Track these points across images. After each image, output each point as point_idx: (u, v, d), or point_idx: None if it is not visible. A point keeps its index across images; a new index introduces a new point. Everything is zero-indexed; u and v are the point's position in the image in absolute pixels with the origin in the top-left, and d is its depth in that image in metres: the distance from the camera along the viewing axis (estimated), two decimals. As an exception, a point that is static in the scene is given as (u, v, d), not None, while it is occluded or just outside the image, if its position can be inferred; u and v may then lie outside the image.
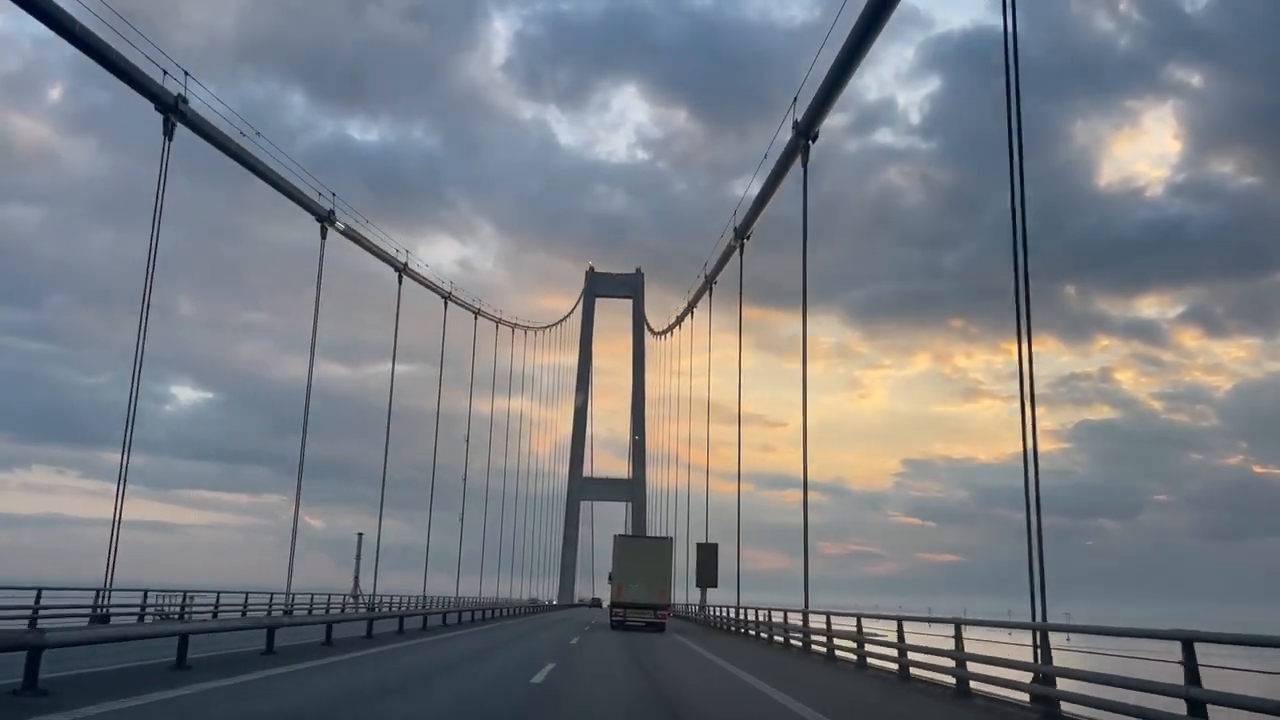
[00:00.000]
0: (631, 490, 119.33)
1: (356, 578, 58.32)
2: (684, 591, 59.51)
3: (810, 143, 30.44)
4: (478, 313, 64.23)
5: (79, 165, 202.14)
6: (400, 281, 46.56)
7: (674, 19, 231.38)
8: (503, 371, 79.27)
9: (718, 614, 44.72)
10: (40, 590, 23.84)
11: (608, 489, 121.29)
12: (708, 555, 50.82)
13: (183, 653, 14.64)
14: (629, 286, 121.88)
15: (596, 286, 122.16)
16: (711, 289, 53.02)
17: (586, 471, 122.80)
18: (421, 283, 49.71)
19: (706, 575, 50.53)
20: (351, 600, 50.43)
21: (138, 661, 15.32)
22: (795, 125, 30.41)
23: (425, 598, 52.67)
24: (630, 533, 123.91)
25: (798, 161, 30.78)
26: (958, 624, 14.48)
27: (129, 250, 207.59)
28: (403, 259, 46.00)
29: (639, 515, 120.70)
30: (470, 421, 61.32)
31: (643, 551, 39.70)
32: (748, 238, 42.17)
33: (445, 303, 55.08)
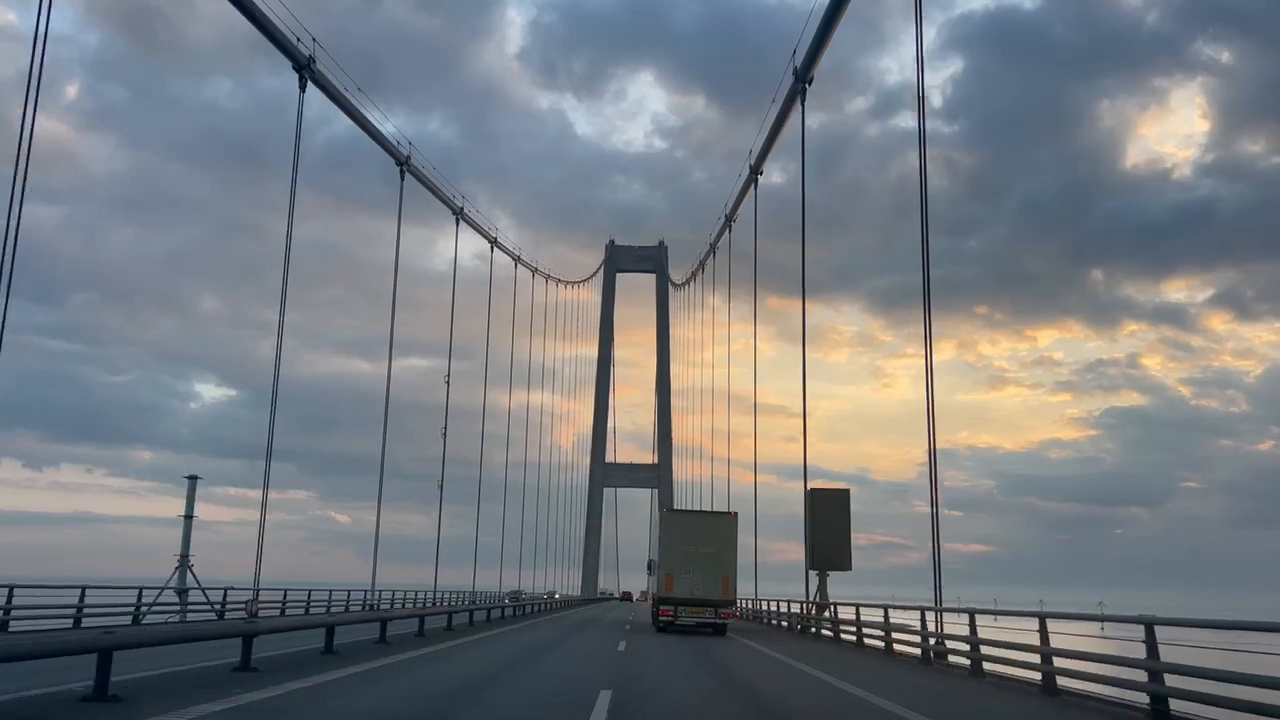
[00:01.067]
0: (658, 475, 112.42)
1: (183, 557, 31.51)
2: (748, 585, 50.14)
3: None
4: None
5: (97, 163, 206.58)
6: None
7: (690, 3, 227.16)
8: (521, 358, 75.56)
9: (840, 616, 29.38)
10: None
11: (632, 475, 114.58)
12: (834, 511, 32.54)
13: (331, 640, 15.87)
14: (651, 260, 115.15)
15: (617, 260, 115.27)
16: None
17: (609, 457, 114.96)
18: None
19: (832, 549, 32.21)
20: (177, 599, 30.97)
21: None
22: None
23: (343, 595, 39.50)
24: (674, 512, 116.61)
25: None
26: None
27: (149, 247, 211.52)
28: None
29: (666, 503, 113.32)
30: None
31: (700, 531, 31.13)
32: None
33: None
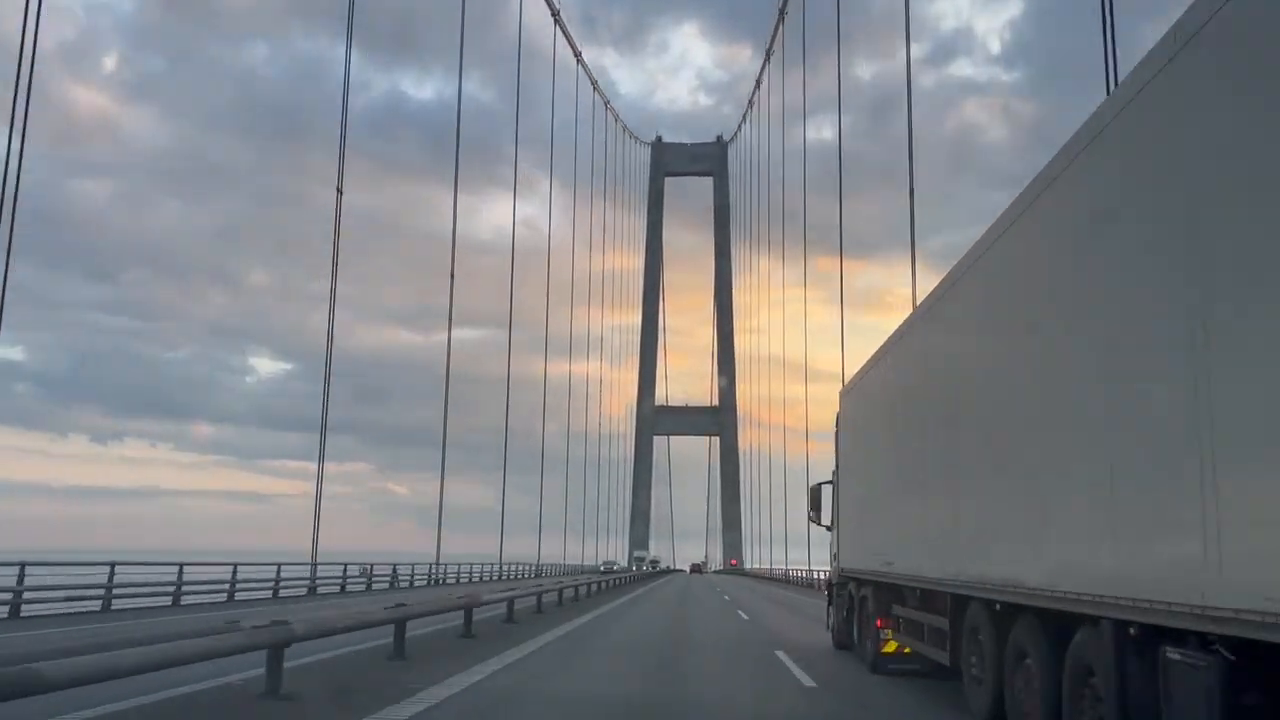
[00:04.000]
0: (719, 420, 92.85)
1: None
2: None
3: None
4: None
5: (140, 135, 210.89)
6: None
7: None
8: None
9: None
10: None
11: (687, 419, 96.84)
12: None
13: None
14: (708, 160, 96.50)
15: (666, 162, 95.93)
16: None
17: (659, 400, 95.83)
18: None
19: None
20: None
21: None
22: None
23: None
24: (724, 488, 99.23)
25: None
26: None
27: (195, 220, 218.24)
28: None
29: (730, 456, 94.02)
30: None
31: None
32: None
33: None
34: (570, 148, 77.06)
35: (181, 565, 24.33)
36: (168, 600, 23.24)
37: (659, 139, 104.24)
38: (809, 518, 16.06)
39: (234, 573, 26.37)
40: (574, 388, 78.42)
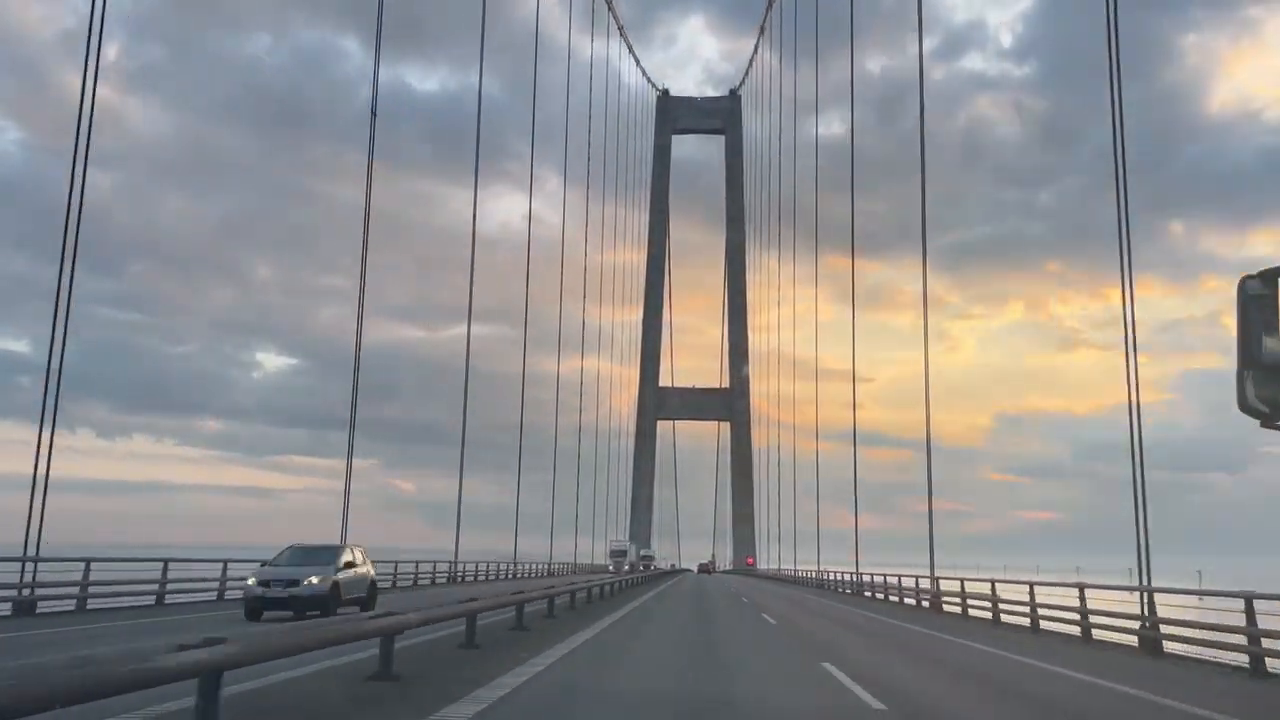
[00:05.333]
0: (730, 404, 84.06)
1: None
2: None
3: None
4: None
5: (143, 126, 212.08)
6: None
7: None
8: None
9: None
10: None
11: (694, 403, 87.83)
12: None
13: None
14: (720, 115, 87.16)
15: (674, 117, 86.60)
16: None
17: (664, 380, 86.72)
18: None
19: None
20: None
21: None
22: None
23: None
24: (735, 480, 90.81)
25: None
26: None
27: (200, 214, 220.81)
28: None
29: (742, 444, 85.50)
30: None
31: None
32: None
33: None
34: (584, 130, 75.11)
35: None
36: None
37: (665, 92, 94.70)
38: (1243, 400, 3.45)
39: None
40: (576, 384, 76.55)
